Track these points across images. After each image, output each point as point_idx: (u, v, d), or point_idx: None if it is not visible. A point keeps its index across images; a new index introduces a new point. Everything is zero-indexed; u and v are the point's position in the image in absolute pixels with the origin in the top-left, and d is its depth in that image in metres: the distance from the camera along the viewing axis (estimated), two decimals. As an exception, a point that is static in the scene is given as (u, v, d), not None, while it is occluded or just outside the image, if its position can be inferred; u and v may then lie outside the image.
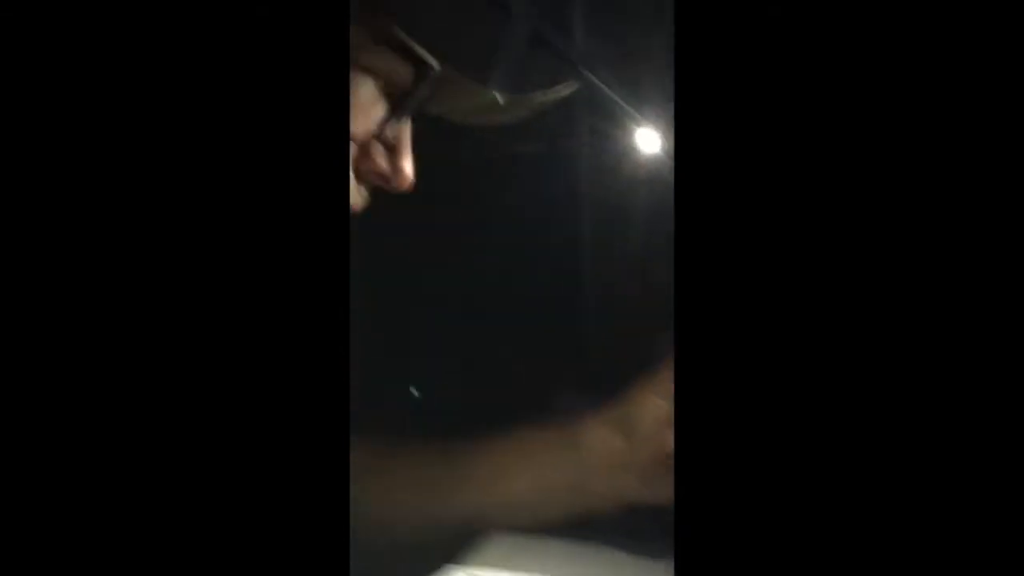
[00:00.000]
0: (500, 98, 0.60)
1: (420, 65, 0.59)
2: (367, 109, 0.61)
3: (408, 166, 0.63)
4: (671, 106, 0.55)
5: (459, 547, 0.73)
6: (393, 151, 0.63)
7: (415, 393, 0.87)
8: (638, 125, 0.72)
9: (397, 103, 0.61)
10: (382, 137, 0.62)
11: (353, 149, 0.61)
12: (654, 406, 0.74)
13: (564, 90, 0.63)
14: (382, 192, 0.64)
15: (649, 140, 0.72)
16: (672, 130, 0.63)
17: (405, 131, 0.63)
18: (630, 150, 0.73)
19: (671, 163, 0.68)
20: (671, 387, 0.70)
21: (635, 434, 0.75)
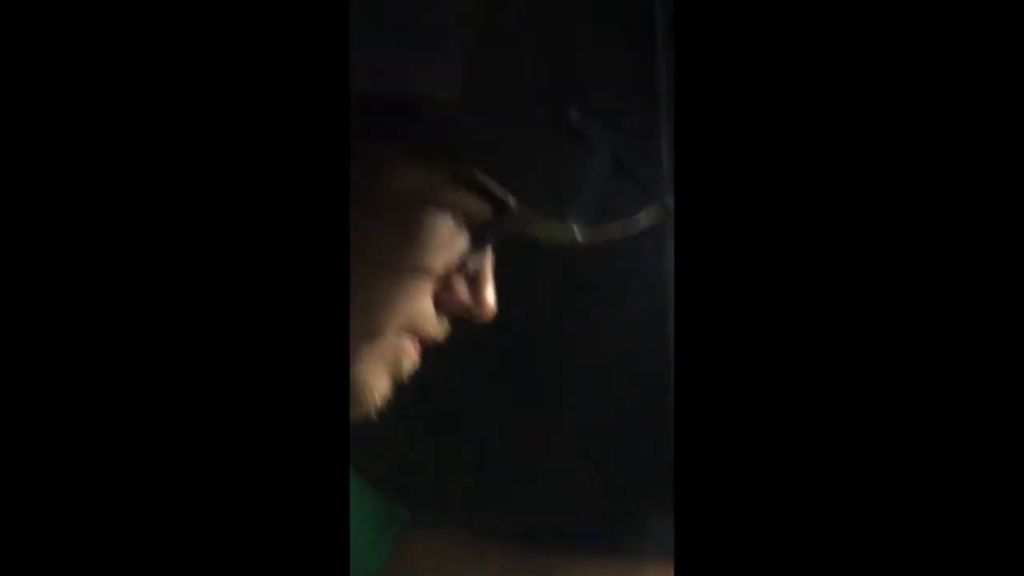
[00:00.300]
0: (579, 233, 0.61)
1: (499, 202, 0.60)
2: (447, 243, 0.61)
3: (490, 296, 0.63)
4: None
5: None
6: (474, 282, 0.63)
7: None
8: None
9: (477, 237, 0.62)
10: (463, 269, 0.62)
11: (434, 282, 0.62)
12: None
13: (645, 220, 0.63)
14: (464, 321, 0.64)
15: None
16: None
17: (486, 262, 0.63)
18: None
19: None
20: None
21: None
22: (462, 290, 0.63)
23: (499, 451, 0.90)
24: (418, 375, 0.64)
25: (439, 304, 0.63)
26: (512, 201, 0.60)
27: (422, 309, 0.62)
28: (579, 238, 0.61)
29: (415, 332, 0.63)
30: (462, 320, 0.64)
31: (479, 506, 0.91)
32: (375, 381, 0.62)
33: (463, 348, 0.67)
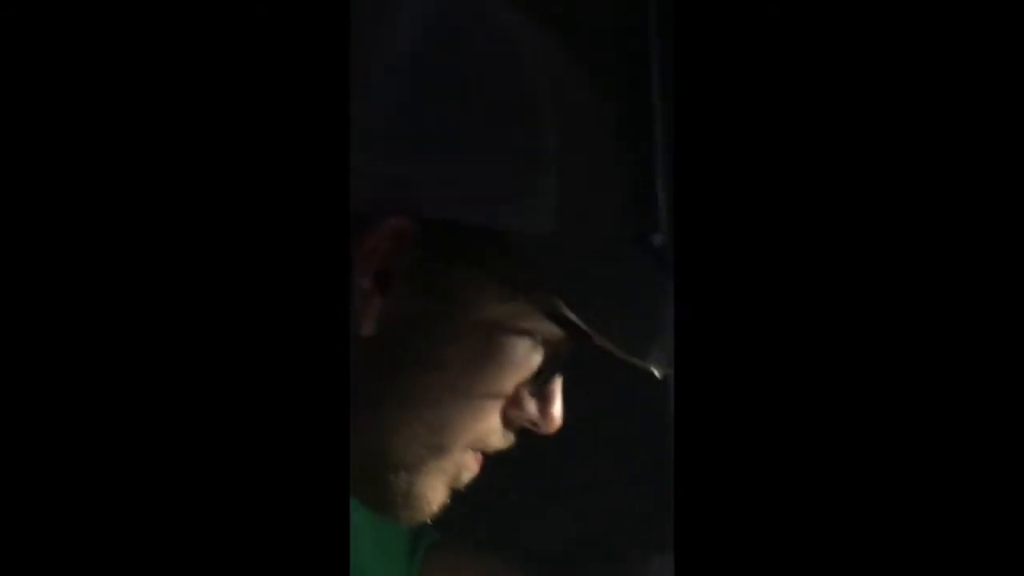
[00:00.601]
0: (657, 372, 0.60)
1: (580, 332, 0.59)
2: (521, 364, 0.60)
3: (558, 412, 0.62)
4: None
5: None
6: (544, 397, 0.62)
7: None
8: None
9: (551, 357, 0.61)
10: (534, 386, 0.61)
11: (504, 399, 0.61)
12: None
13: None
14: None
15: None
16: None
17: (556, 380, 0.62)
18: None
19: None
20: None
21: None
22: (531, 406, 0.62)
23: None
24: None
25: (507, 419, 0.62)
26: (592, 336, 0.58)
27: (490, 427, 0.61)
28: (658, 375, 0.60)
29: (480, 448, 0.62)
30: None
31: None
32: (433, 494, 0.62)
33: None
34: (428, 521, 0.63)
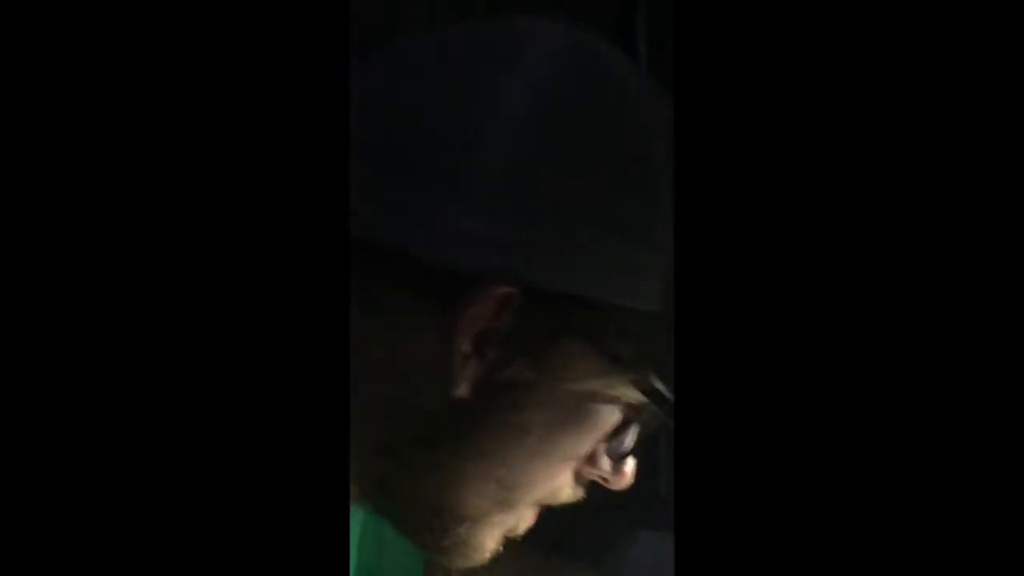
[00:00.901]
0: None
1: (667, 403, 0.58)
2: (602, 428, 0.59)
3: (631, 468, 0.62)
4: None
5: None
6: (619, 455, 0.61)
7: None
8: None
9: (630, 419, 0.60)
10: (610, 444, 0.61)
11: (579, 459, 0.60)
12: None
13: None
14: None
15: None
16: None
17: (632, 438, 0.62)
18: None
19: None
20: None
21: None
22: (605, 463, 0.61)
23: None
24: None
25: (578, 475, 0.61)
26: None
27: (561, 485, 0.61)
28: None
29: (547, 503, 0.62)
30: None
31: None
32: (490, 544, 0.61)
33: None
34: (478, 567, 0.63)
